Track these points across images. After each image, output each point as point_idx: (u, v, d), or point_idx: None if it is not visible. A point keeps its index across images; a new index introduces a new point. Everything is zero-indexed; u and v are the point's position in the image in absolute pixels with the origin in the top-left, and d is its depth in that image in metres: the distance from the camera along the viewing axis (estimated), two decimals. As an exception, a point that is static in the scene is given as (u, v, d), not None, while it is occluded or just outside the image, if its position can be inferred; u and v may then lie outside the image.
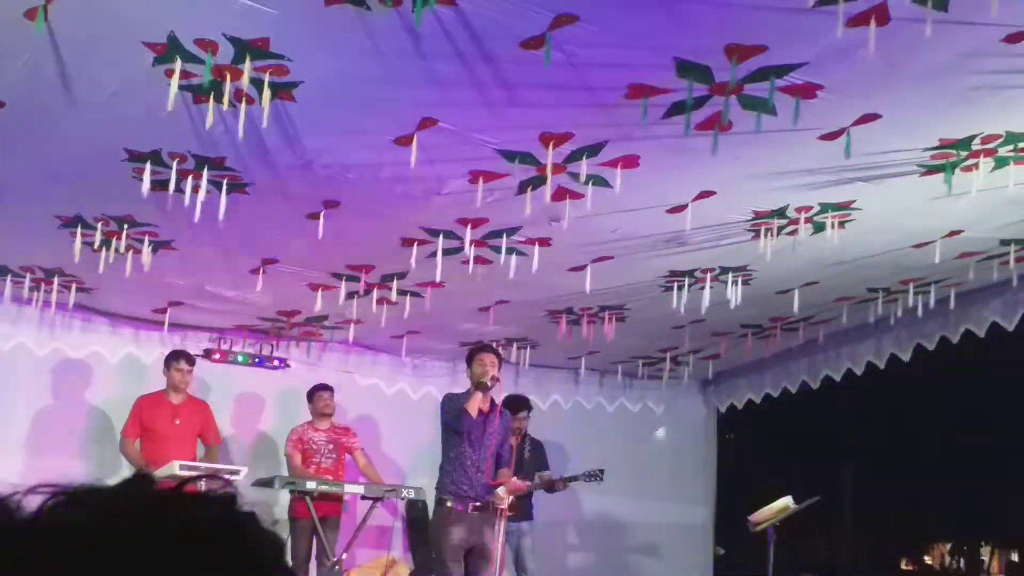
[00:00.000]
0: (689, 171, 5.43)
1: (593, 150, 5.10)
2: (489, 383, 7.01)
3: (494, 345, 7.84)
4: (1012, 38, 4.01)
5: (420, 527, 9.13)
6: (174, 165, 5.39)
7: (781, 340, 9.03)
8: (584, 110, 4.72)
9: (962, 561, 25.55)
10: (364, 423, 9.52)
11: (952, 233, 6.29)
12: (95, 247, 6.64)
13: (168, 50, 4.25)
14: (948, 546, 26.18)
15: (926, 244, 6.44)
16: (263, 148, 5.16)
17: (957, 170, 5.27)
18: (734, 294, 7.18)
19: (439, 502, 7.19)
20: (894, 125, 4.79)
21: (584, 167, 5.22)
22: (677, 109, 4.58)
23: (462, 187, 5.60)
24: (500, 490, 7.13)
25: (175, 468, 7.10)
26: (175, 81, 4.36)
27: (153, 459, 7.79)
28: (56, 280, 7.71)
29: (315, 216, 6.09)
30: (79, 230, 6.50)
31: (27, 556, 0.68)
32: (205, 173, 5.44)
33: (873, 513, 21.34)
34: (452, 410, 7.12)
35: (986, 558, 24.07)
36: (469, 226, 6.22)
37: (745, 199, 5.84)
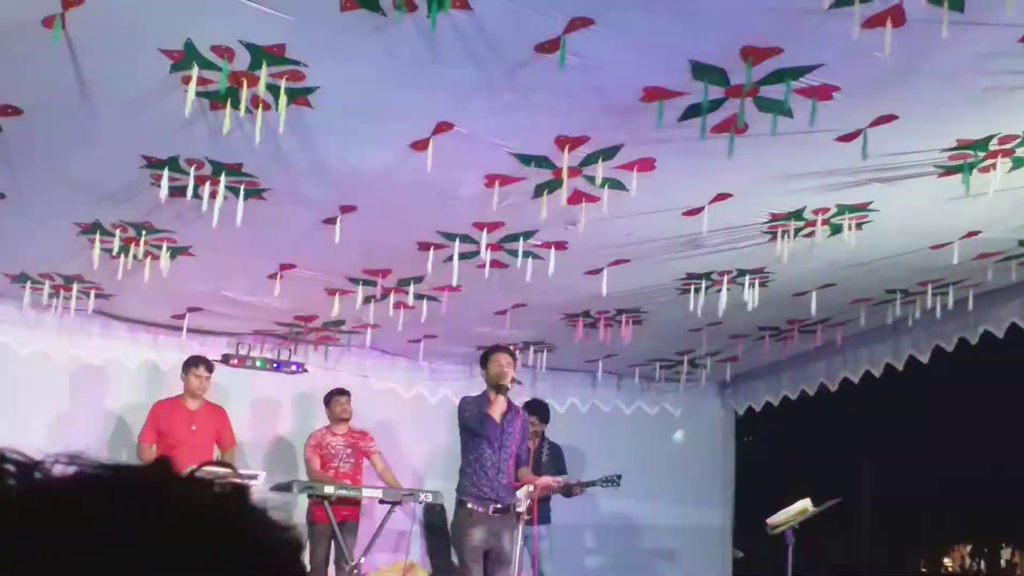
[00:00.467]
0: (705, 174, 5.43)
1: (609, 153, 5.10)
2: (509, 385, 7.01)
3: (511, 348, 7.84)
4: (1029, 38, 4.00)
5: (438, 531, 9.14)
6: (191, 171, 5.41)
7: (799, 342, 9.01)
8: (599, 113, 4.73)
9: (982, 563, 25.41)
10: (382, 427, 9.52)
11: (970, 234, 6.26)
12: (113, 253, 6.68)
13: (185, 57, 4.27)
14: (968, 548, 26.05)
15: (944, 245, 6.42)
16: (280, 153, 5.18)
17: (975, 171, 5.24)
18: (751, 296, 7.17)
19: (459, 504, 7.19)
20: (911, 126, 4.77)
21: (600, 170, 5.22)
22: (693, 112, 4.57)
23: (478, 191, 5.61)
24: (520, 492, 7.13)
25: (193, 473, 7.11)
26: (192, 88, 4.38)
27: (171, 464, 7.80)
28: (75, 287, 7.75)
29: (332, 221, 6.11)
30: (97, 237, 6.53)
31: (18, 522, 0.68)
32: (223, 179, 5.47)
33: (892, 515, 21.26)
34: (473, 415, 7.11)
35: (1006, 559, 23.93)
36: (485, 230, 6.23)
37: (762, 201, 5.83)
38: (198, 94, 4.45)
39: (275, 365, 9.47)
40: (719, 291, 7.23)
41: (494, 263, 6.67)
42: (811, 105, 4.46)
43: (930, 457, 18.70)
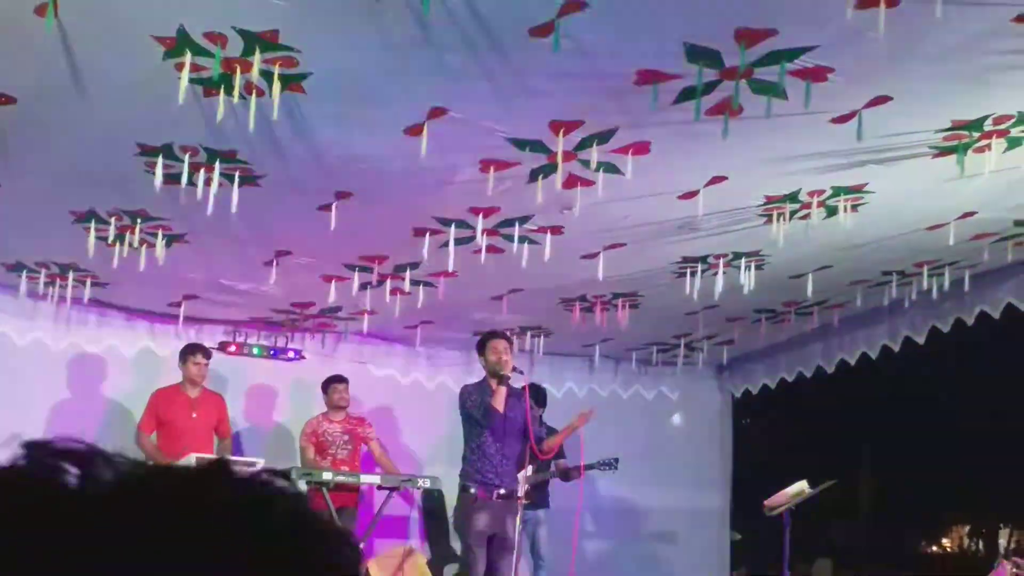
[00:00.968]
0: (700, 157, 5.42)
1: (603, 137, 5.10)
2: (509, 374, 7.01)
3: (507, 333, 7.84)
4: (1022, 18, 3.99)
5: (437, 516, 9.17)
6: (186, 159, 5.41)
7: (795, 325, 9.02)
8: (594, 97, 4.72)
9: (980, 543, 25.51)
10: (379, 414, 9.54)
11: (966, 215, 6.26)
12: (109, 242, 6.67)
13: (178, 44, 4.26)
14: (966, 528, 26.15)
15: (940, 226, 6.42)
16: (274, 140, 5.17)
17: (970, 151, 5.24)
18: (747, 279, 7.17)
19: (463, 489, 7.20)
20: (905, 107, 4.77)
21: (595, 154, 5.22)
22: (687, 94, 4.56)
23: (473, 176, 5.60)
24: (519, 475, 7.14)
25: (192, 461, 7.13)
26: (185, 74, 4.37)
27: (170, 452, 7.83)
28: (71, 275, 7.74)
29: (327, 208, 6.11)
30: (93, 225, 6.52)
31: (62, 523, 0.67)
32: (217, 166, 5.45)
33: (890, 496, 21.32)
34: (476, 404, 7.11)
35: (1004, 540, 24.02)
36: (481, 215, 6.22)
37: (757, 184, 5.83)
38: (191, 81, 4.44)
39: (272, 352, 9.49)
40: (715, 274, 7.24)
41: (490, 248, 6.67)
42: (805, 87, 4.45)
43: (928, 438, 18.75)
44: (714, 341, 9.71)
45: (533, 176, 5.56)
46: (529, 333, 9.41)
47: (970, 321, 7.87)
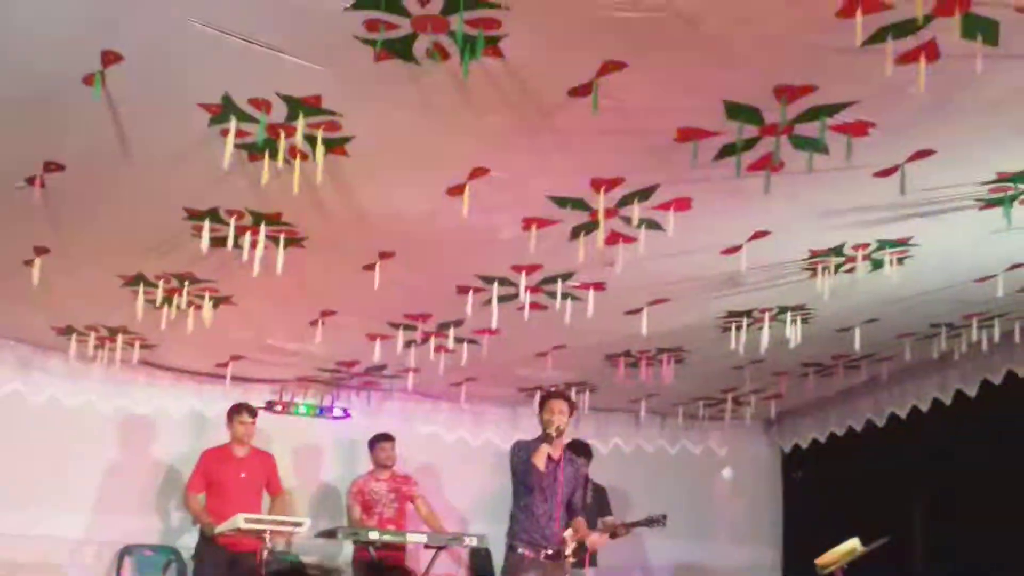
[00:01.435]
0: (742, 212, 5.41)
1: (645, 194, 5.10)
2: (554, 433, 6.93)
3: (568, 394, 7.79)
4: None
5: (484, 574, 9.08)
6: (232, 222, 5.47)
7: (844, 378, 8.92)
8: (634, 154, 4.73)
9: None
10: (425, 471, 9.51)
11: (1015, 266, 6.19)
12: (157, 304, 6.75)
13: (223, 111, 4.34)
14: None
15: (988, 278, 6.34)
16: (318, 202, 5.22)
17: (1016, 203, 5.19)
18: (793, 333, 7.11)
19: (511, 548, 7.11)
20: (949, 160, 4.73)
21: (636, 211, 5.22)
22: (728, 151, 4.57)
23: (515, 234, 5.62)
24: (567, 533, 7.05)
25: (239, 521, 7.15)
26: (230, 140, 4.44)
27: (218, 513, 7.84)
28: (120, 337, 7.82)
29: (371, 267, 6.14)
30: (141, 288, 6.60)
31: None
32: (262, 228, 5.52)
33: (944, 554, 20.84)
34: (520, 460, 7.06)
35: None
36: (524, 272, 6.24)
37: (801, 238, 5.79)
38: (237, 146, 4.51)
39: (319, 411, 9.51)
40: (761, 328, 7.17)
41: (533, 305, 6.66)
42: (847, 142, 4.44)
43: (983, 494, 18.35)
44: (761, 395, 9.60)
45: (575, 233, 5.57)
46: (574, 389, 9.36)
47: (1022, 373, 7.75)
